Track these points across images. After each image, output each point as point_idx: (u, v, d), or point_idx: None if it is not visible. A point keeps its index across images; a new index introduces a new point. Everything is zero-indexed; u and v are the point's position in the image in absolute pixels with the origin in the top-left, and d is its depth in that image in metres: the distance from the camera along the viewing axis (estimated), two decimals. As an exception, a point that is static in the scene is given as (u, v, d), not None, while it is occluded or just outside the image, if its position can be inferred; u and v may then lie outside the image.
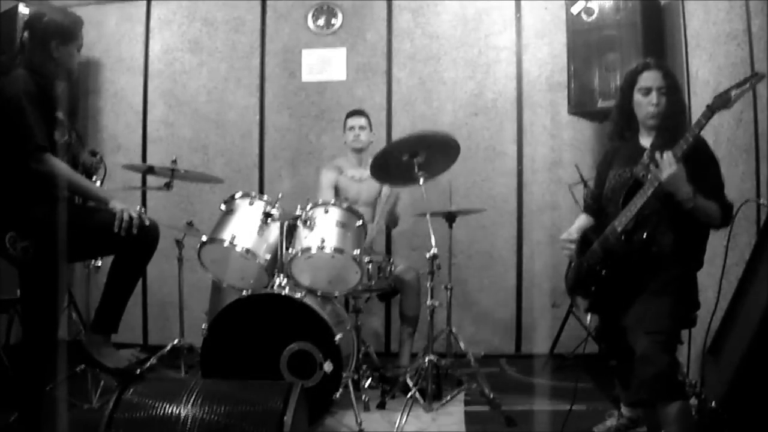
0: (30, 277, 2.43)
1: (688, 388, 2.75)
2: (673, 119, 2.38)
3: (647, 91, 2.39)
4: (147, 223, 2.38)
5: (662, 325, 2.21)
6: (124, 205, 2.39)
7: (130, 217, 2.32)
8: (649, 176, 2.26)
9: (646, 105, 2.40)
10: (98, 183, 2.72)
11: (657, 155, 2.21)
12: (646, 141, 2.46)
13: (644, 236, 2.31)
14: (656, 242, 2.32)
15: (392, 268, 3.39)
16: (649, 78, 2.39)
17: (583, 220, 2.70)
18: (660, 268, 2.31)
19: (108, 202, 2.40)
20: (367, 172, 3.80)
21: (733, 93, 2.12)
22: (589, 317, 2.78)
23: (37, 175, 2.34)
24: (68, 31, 2.51)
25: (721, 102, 2.14)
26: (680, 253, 2.32)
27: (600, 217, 2.64)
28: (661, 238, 2.32)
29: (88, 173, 2.69)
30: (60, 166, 2.37)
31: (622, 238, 2.36)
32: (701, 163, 2.28)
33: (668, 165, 2.17)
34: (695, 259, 2.38)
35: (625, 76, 2.50)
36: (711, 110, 2.16)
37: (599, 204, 2.61)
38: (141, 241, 2.41)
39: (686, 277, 2.35)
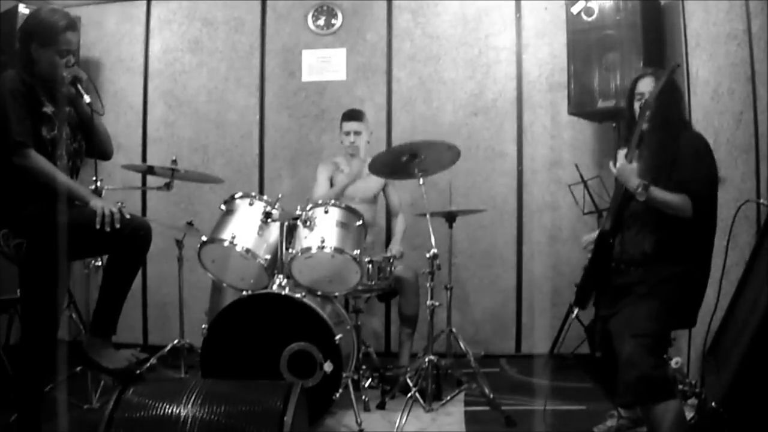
0: (27, 275, 2.43)
1: (688, 388, 2.76)
2: (662, 123, 2.40)
3: (641, 97, 2.45)
4: (128, 216, 2.37)
5: (649, 328, 2.23)
6: (104, 202, 2.39)
7: (111, 212, 2.32)
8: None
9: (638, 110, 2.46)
10: (88, 98, 2.49)
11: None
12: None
13: (617, 232, 2.42)
14: (638, 242, 2.38)
15: (392, 268, 3.40)
16: (643, 84, 2.47)
17: None
18: (646, 270, 2.34)
19: (88, 201, 2.39)
20: (364, 170, 3.81)
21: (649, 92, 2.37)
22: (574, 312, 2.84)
23: (19, 171, 2.32)
24: (44, 34, 2.41)
25: (646, 105, 2.34)
26: (665, 254, 2.35)
27: None
28: (642, 238, 2.38)
29: (74, 85, 2.48)
30: (42, 162, 2.35)
31: (604, 237, 2.43)
32: (680, 158, 2.32)
33: (618, 160, 2.39)
34: (689, 260, 2.37)
35: (628, 90, 2.58)
36: (642, 110, 2.37)
37: None
38: (131, 239, 2.40)
39: (678, 279, 2.35)
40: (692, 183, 2.30)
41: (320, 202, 3.18)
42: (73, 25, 2.49)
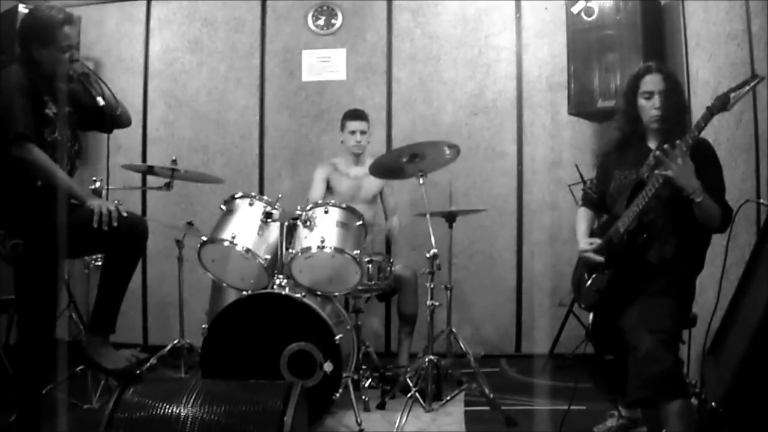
0: (24, 276, 2.42)
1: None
2: (674, 121, 2.39)
3: (650, 95, 2.41)
4: (125, 214, 2.37)
5: (665, 323, 2.22)
6: (101, 201, 2.39)
7: (108, 211, 2.31)
8: (653, 174, 2.26)
9: (649, 109, 2.42)
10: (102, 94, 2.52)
11: (661, 152, 2.21)
12: (653, 143, 2.47)
13: (644, 237, 2.33)
14: (659, 248, 2.35)
15: (392, 268, 3.40)
16: (651, 82, 2.41)
17: (584, 217, 2.68)
18: (662, 271, 2.32)
19: (85, 200, 2.38)
20: (363, 170, 3.82)
21: (732, 95, 2.12)
22: (591, 316, 2.78)
23: (19, 164, 2.31)
24: (44, 33, 2.39)
25: (720, 104, 2.15)
26: (682, 259, 2.35)
27: (600, 210, 2.67)
28: (663, 244, 2.35)
29: (82, 84, 2.49)
30: (41, 157, 2.34)
31: (625, 238, 2.37)
32: (703, 165, 2.27)
33: (675, 159, 2.17)
34: (696, 264, 2.41)
35: (628, 81, 2.50)
36: (710, 112, 2.16)
37: (602, 198, 2.62)
38: (128, 238, 2.40)
39: (687, 280, 2.38)
40: (719, 193, 2.29)
41: (320, 202, 3.19)
42: (71, 19, 2.46)
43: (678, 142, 2.19)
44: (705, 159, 2.31)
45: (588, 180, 2.81)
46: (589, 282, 2.53)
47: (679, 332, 2.32)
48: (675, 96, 2.41)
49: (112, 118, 2.63)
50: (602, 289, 2.45)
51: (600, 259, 2.44)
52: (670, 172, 2.18)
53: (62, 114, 2.48)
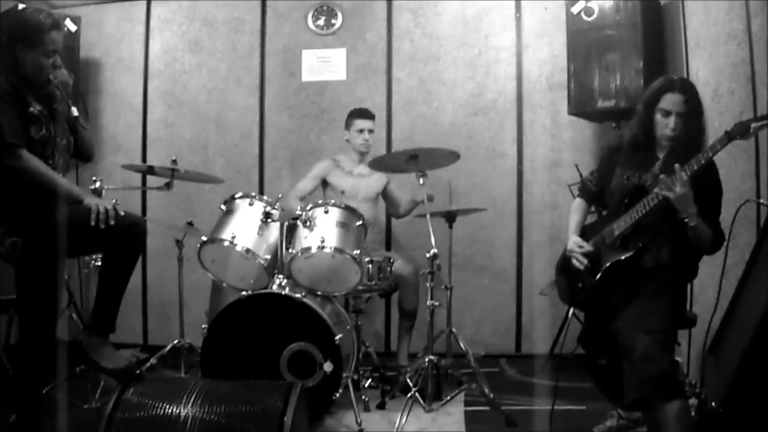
0: (23, 275, 2.42)
1: (687, 388, 2.76)
2: (688, 145, 2.34)
3: (666, 114, 2.37)
4: (122, 213, 2.37)
5: (661, 324, 2.22)
6: (98, 199, 2.39)
7: (105, 209, 2.31)
8: (657, 188, 2.25)
9: (663, 126, 2.38)
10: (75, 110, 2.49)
11: (672, 172, 2.20)
12: (661, 153, 2.47)
13: (639, 245, 2.34)
14: (654, 252, 2.35)
15: (392, 268, 3.40)
16: (671, 101, 2.36)
17: (578, 209, 2.69)
18: (656, 274, 2.33)
19: (82, 198, 2.38)
20: (366, 169, 3.83)
21: (753, 125, 2.09)
22: (570, 311, 2.79)
23: (12, 172, 2.32)
24: (31, 36, 2.38)
25: (740, 131, 2.11)
26: (677, 264, 2.36)
27: (595, 203, 2.70)
28: (658, 249, 2.36)
29: (59, 90, 2.47)
30: (34, 162, 2.35)
31: (618, 242, 2.38)
32: (704, 187, 2.27)
33: (680, 182, 2.17)
34: (690, 270, 2.43)
35: (649, 92, 2.46)
36: (728, 137, 2.13)
37: (601, 192, 2.63)
38: (126, 236, 2.40)
39: (681, 284, 2.40)
40: (714, 217, 2.31)
41: (320, 201, 3.18)
42: (58, 24, 2.46)
43: (684, 167, 2.17)
44: (706, 182, 2.30)
45: (589, 172, 2.81)
46: (571, 277, 2.54)
47: (674, 333, 2.33)
48: (693, 120, 2.36)
49: (82, 139, 2.62)
50: (584, 285, 2.47)
51: (583, 263, 2.47)
52: (670, 194, 2.18)
53: (50, 111, 2.48)
